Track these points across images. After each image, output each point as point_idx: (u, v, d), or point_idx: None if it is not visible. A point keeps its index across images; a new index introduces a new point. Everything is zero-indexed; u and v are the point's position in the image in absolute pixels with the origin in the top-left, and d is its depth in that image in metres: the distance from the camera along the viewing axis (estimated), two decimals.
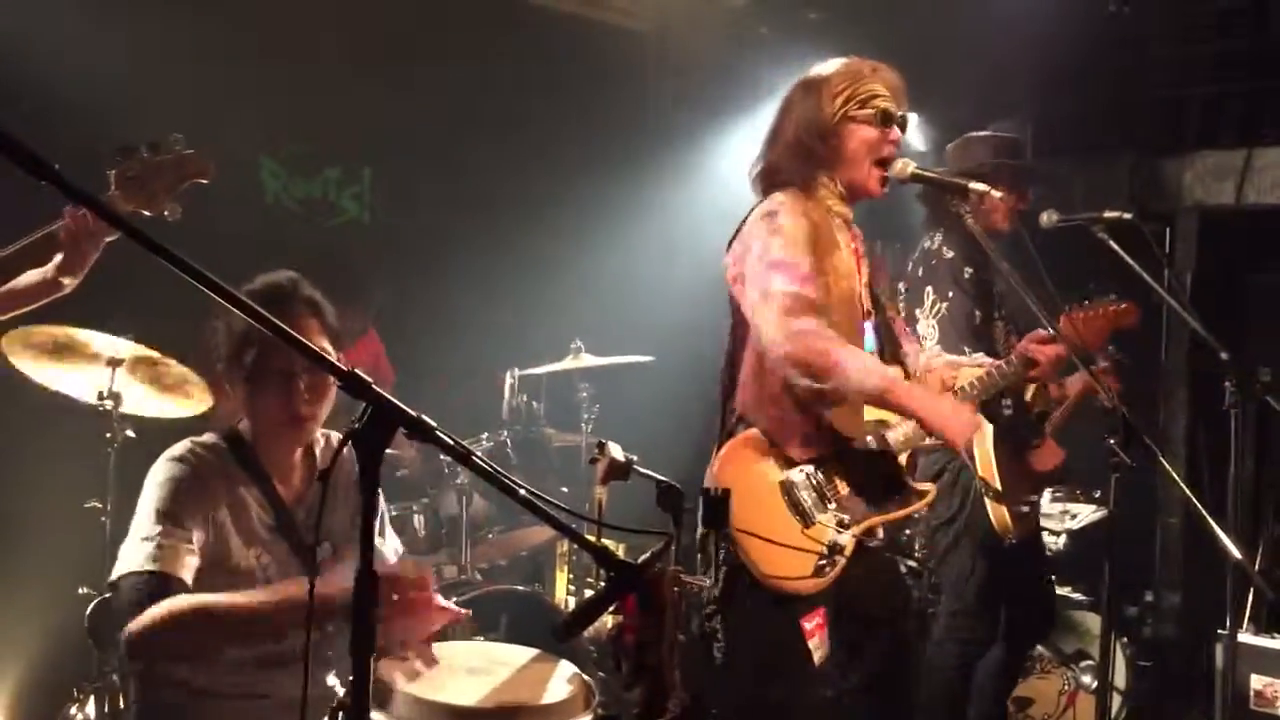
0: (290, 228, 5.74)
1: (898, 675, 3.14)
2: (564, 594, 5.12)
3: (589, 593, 4.76)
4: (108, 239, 2.56)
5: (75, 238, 2.52)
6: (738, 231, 2.99)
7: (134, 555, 2.22)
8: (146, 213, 2.54)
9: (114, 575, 2.25)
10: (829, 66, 3.03)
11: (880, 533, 3.06)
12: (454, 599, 3.85)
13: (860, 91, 2.95)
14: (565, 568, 5.25)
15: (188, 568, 2.23)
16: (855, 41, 5.27)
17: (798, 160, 2.97)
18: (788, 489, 2.89)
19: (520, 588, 4.21)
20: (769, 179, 3.03)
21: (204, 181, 2.61)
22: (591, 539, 1.95)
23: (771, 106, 3.13)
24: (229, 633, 2.17)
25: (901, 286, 4.06)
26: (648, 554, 2.11)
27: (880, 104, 2.95)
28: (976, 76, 5.43)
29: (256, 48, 5.24)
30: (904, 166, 3.02)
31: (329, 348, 2.41)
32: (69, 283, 2.59)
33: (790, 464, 2.90)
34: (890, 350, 3.12)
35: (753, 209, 2.98)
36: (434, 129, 5.95)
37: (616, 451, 2.46)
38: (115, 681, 3.67)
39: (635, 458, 2.51)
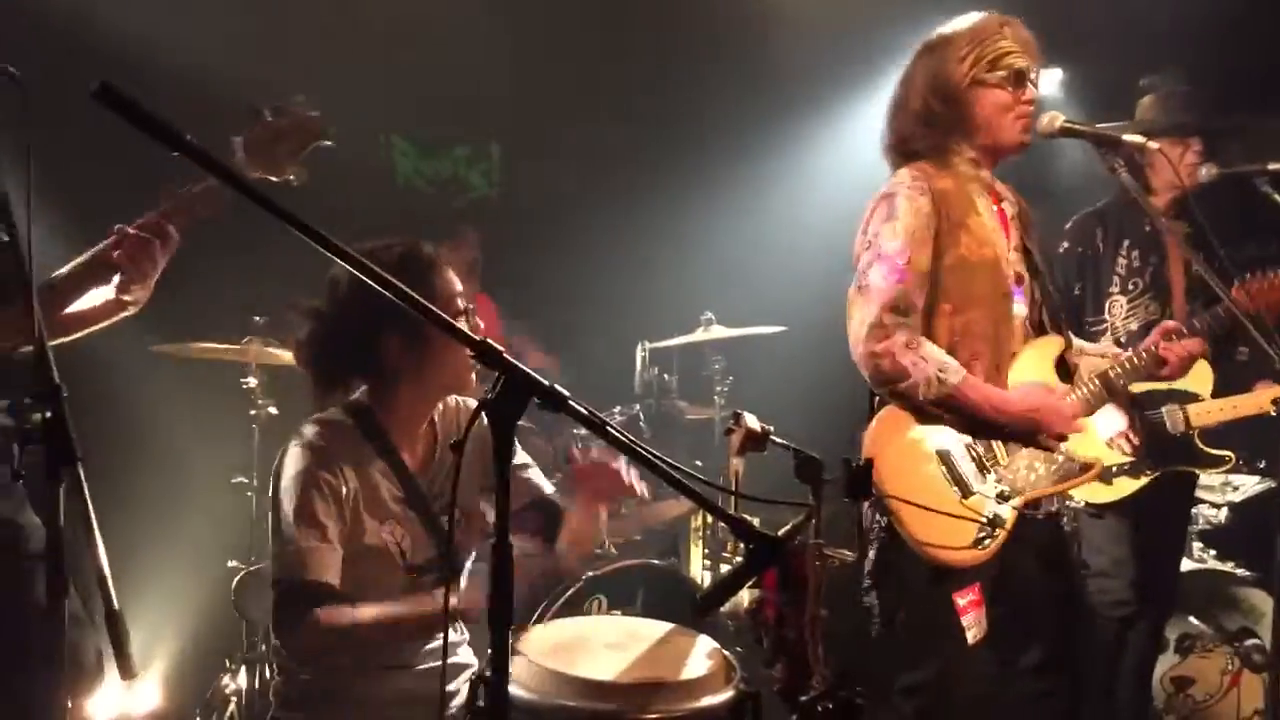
0: (421, 206, 5.81)
1: (1072, 655, 3.00)
2: (699, 568, 5.08)
3: (725, 567, 4.71)
4: (167, 254, 2.46)
5: (131, 259, 2.41)
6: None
7: (280, 561, 2.29)
8: (272, 179, 2.50)
9: (271, 574, 2.32)
10: (953, 26, 2.85)
11: (1053, 505, 2.92)
12: (589, 574, 3.86)
13: (988, 52, 2.77)
14: (700, 541, 5.20)
15: (332, 568, 2.27)
16: None
17: (926, 128, 2.82)
18: (945, 458, 2.77)
19: (656, 561, 4.17)
20: (898, 150, 2.90)
21: (327, 144, 2.56)
22: (730, 511, 1.89)
23: (899, 69, 2.98)
24: (372, 642, 2.31)
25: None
26: (788, 526, 2.05)
27: (1012, 63, 2.78)
28: (1128, 29, 5.15)
29: (384, 27, 5.29)
30: (1051, 120, 2.86)
31: (462, 303, 2.46)
32: (133, 300, 2.48)
33: (947, 431, 2.79)
34: (1049, 317, 2.96)
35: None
36: (560, 103, 5.93)
37: (752, 422, 2.39)
38: (264, 652, 3.77)
39: (772, 428, 2.44)
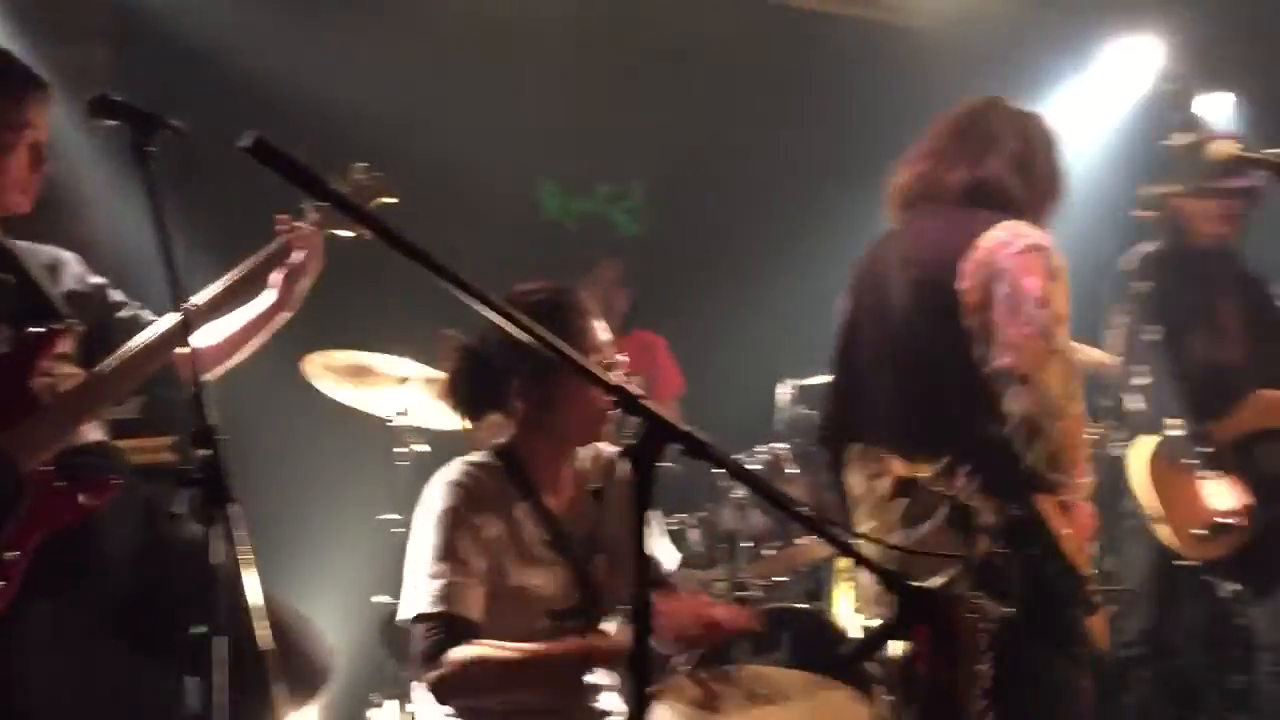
0: (567, 246, 5.86)
1: None
2: (848, 612, 4.94)
3: (877, 609, 4.55)
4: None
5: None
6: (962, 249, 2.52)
7: (422, 595, 2.28)
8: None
9: (405, 613, 2.32)
10: None
11: None
12: None
13: None
14: (847, 584, 5.06)
15: (475, 605, 2.27)
16: (1172, 20, 4.84)
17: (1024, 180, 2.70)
18: None
19: (802, 605, 4.07)
20: (991, 199, 2.66)
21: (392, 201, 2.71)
22: (875, 560, 1.81)
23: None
24: (515, 681, 2.27)
25: None
26: (942, 579, 1.96)
27: None
28: None
29: (527, 69, 5.39)
30: (1225, 147, 2.71)
31: (609, 350, 2.45)
32: (284, 313, 2.61)
33: None
34: None
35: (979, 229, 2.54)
36: (703, 139, 5.92)
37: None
38: (410, 688, 3.80)
39: None
